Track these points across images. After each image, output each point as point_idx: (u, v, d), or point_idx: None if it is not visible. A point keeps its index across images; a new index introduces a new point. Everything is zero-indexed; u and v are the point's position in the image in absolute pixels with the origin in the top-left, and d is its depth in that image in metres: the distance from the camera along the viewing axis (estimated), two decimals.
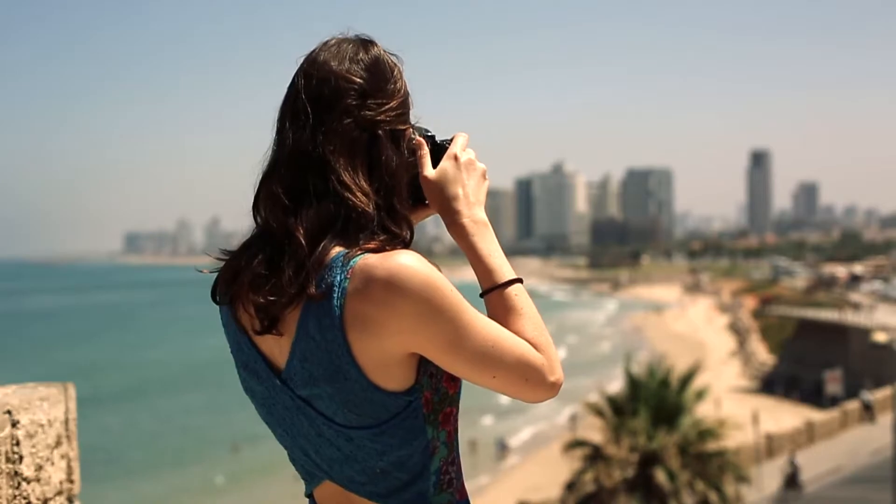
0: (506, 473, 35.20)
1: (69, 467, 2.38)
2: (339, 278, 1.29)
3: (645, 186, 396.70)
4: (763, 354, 62.64)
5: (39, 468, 2.22)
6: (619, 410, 21.98)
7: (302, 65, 1.43)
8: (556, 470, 26.10)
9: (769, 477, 27.29)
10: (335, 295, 1.28)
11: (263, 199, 1.38)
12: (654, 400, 21.76)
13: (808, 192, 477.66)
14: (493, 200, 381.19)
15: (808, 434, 33.87)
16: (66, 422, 2.38)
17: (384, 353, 1.30)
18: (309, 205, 1.34)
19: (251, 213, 1.42)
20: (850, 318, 54.27)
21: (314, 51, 1.44)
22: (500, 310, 1.40)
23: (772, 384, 52.14)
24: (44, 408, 2.26)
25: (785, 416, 40.16)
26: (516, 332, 1.38)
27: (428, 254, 1.35)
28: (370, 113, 1.39)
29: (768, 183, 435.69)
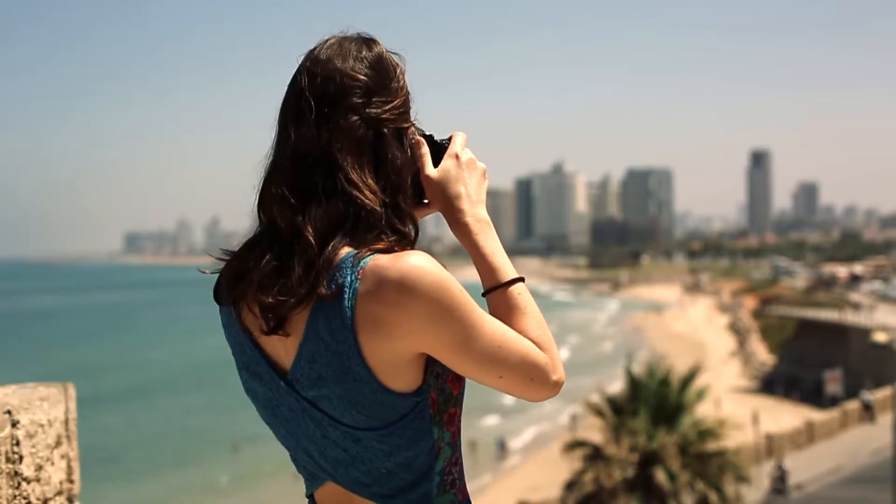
0: (506, 473, 35.20)
1: (69, 467, 2.38)
2: (349, 279, 1.28)
3: (645, 186, 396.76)
4: (763, 354, 62.67)
5: (39, 468, 2.22)
6: (619, 410, 21.98)
7: (304, 62, 1.41)
8: (556, 470, 26.10)
9: (769, 477, 27.31)
10: (346, 296, 1.27)
11: (269, 198, 1.37)
12: (654, 400, 21.77)
13: (808, 192, 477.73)
14: (493, 200, 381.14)
15: (808, 434, 33.87)
16: (66, 422, 2.38)
17: (395, 355, 1.30)
18: (317, 203, 1.33)
19: (254, 212, 1.41)
20: (850, 318, 54.28)
21: (315, 48, 1.42)
22: (503, 308, 1.40)
23: (772, 384, 52.15)
24: (44, 408, 2.25)
25: (785, 416, 40.18)
26: (520, 331, 1.38)
27: (428, 253, 1.35)
28: (375, 111, 1.38)
29: (768, 183, 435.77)
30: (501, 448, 37.91)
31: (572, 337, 77.85)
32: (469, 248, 1.47)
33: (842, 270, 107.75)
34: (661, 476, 20.24)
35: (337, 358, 1.29)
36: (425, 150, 1.48)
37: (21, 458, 2.15)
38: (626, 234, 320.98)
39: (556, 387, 1.39)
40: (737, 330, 76.26)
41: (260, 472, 34.22)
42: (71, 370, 51.48)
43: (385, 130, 1.39)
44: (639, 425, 21.05)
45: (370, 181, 1.35)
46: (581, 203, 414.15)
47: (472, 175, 1.51)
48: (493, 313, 1.40)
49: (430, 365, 1.35)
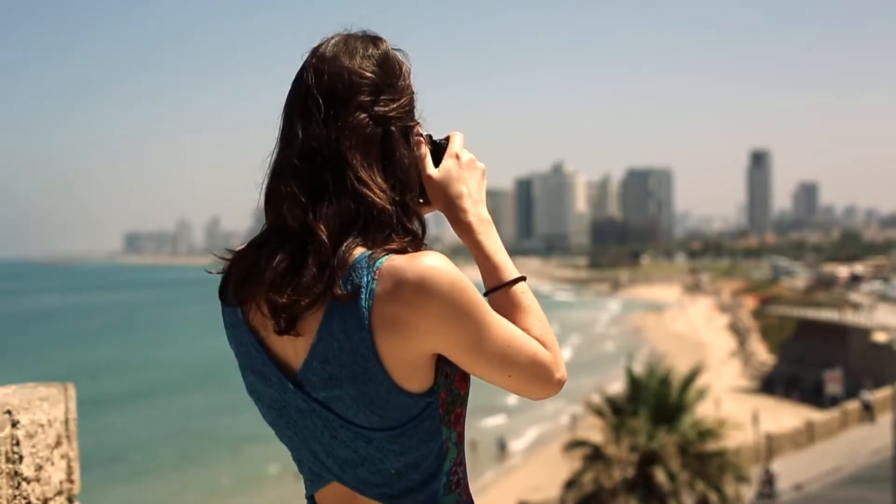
0: (506, 473, 35.21)
1: (69, 467, 2.38)
2: (365, 279, 1.27)
3: (645, 186, 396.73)
4: (763, 354, 62.65)
5: (39, 468, 2.22)
6: (618, 410, 21.97)
7: (309, 60, 1.40)
8: (556, 470, 26.09)
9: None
10: (363, 296, 1.27)
11: (278, 196, 1.35)
12: (654, 400, 21.75)
13: (808, 192, 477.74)
14: (493, 200, 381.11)
15: (808, 434, 33.87)
16: (66, 422, 2.38)
17: (411, 355, 1.30)
18: (328, 202, 1.32)
19: (259, 211, 1.40)
20: (850, 318, 54.29)
21: (320, 46, 1.41)
22: (506, 307, 1.41)
23: (772, 384, 52.14)
24: (44, 408, 2.25)
25: (785, 416, 40.17)
26: (524, 330, 1.39)
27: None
28: (383, 109, 1.38)
29: (768, 183, 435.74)
30: (501, 448, 37.91)
31: (574, 337, 77.86)
32: (472, 248, 1.48)
33: (842, 270, 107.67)
34: (661, 476, 20.23)
35: (352, 358, 1.29)
36: (426, 149, 1.48)
37: (21, 458, 2.15)
38: (626, 234, 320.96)
39: (559, 385, 1.40)
40: (737, 330, 76.23)
41: (261, 473, 34.25)
42: (71, 370, 51.53)
43: (393, 129, 1.39)
44: (639, 425, 21.04)
45: (379, 180, 1.35)
46: (581, 203, 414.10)
47: (473, 175, 1.51)
48: (496, 312, 1.40)
49: (440, 365, 1.35)
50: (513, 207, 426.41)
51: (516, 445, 39.86)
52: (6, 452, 2.11)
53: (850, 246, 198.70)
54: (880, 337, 45.97)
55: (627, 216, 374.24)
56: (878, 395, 37.61)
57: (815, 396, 44.85)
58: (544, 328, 1.41)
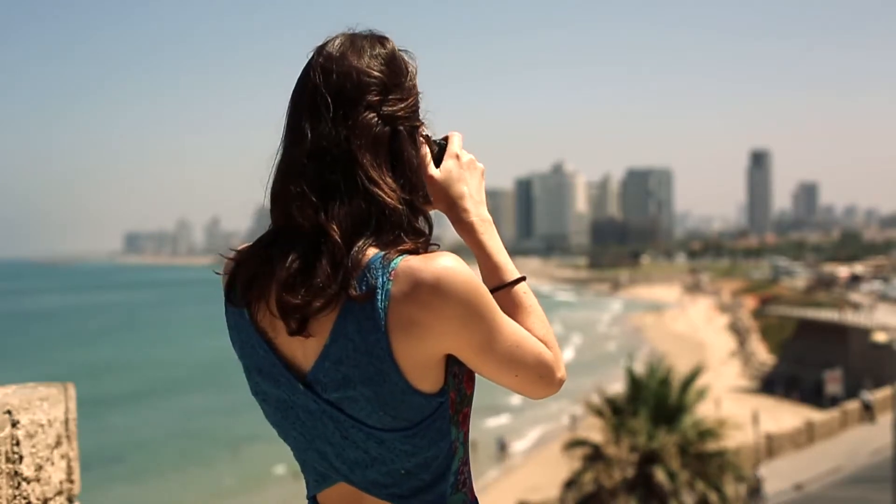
0: (506, 473, 35.21)
1: (69, 467, 2.38)
2: (381, 280, 1.27)
3: (645, 186, 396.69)
4: (763, 354, 62.63)
5: (39, 468, 2.22)
6: (618, 410, 21.97)
7: (315, 59, 1.39)
8: (556, 470, 26.08)
9: (769, 477, 27.31)
10: (379, 297, 1.26)
11: (288, 196, 1.34)
12: (654, 400, 21.75)
13: (808, 192, 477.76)
14: (493, 200, 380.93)
15: (808, 434, 33.86)
16: (66, 422, 2.38)
17: (425, 356, 1.30)
18: (339, 202, 1.31)
19: (264, 211, 1.39)
20: (850, 318, 54.29)
21: (326, 45, 1.40)
22: (508, 307, 1.41)
23: (772, 384, 52.13)
24: (44, 408, 2.25)
25: (785, 416, 40.17)
26: (527, 329, 1.40)
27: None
28: (391, 108, 1.37)
29: (768, 183, 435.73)
30: (501, 448, 37.92)
31: (576, 337, 77.92)
32: (474, 248, 1.48)
33: (842, 270, 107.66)
34: (661, 476, 20.22)
35: (367, 359, 1.28)
36: (426, 149, 1.48)
37: (21, 458, 2.15)
38: (626, 234, 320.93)
39: (559, 384, 1.41)
40: (737, 330, 76.22)
41: (262, 473, 34.24)
42: (71, 370, 51.52)
43: (401, 128, 1.39)
44: (639, 425, 21.03)
45: (389, 180, 1.35)
46: (581, 203, 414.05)
47: (473, 175, 1.52)
48: None
49: (449, 365, 1.35)
50: (513, 207, 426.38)
51: (519, 446, 39.86)
52: (6, 452, 2.11)
53: (850, 246, 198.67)
54: (880, 337, 45.97)
55: (627, 216, 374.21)
56: (878, 395, 37.61)
57: (815, 396, 44.85)
58: (546, 328, 1.43)
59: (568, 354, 64.96)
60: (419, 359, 1.29)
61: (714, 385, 35.68)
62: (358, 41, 1.41)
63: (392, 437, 1.32)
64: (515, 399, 44.65)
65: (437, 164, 1.50)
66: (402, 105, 1.39)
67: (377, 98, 1.36)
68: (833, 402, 40.08)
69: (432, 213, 1.53)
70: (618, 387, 30.50)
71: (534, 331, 1.40)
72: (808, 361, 50.49)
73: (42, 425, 2.23)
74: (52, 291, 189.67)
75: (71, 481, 2.38)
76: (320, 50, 1.40)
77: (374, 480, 1.36)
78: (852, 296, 76.50)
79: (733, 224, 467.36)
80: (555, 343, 1.42)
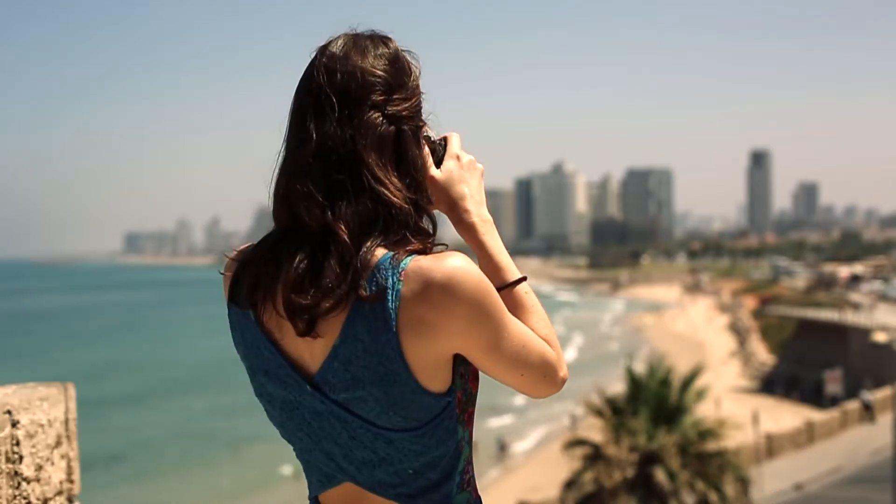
0: (506, 473, 35.22)
1: (69, 467, 2.38)
2: (391, 281, 1.27)
3: (645, 186, 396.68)
4: (763, 354, 62.64)
5: (39, 468, 2.22)
6: (618, 410, 21.97)
7: (318, 59, 1.39)
8: (556, 470, 26.09)
9: (769, 477, 27.30)
10: (389, 298, 1.27)
11: (295, 196, 1.33)
12: (654, 400, 21.75)
13: (808, 192, 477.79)
14: (493, 200, 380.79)
15: (808, 434, 33.87)
16: (66, 422, 2.38)
17: (435, 356, 1.30)
18: (346, 202, 1.31)
19: (266, 211, 1.39)
20: (850, 318, 54.29)
21: (329, 45, 1.40)
22: (511, 307, 1.41)
23: (772, 384, 52.14)
24: (44, 408, 2.25)
25: (785, 416, 40.15)
26: (530, 329, 1.41)
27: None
28: (396, 108, 1.38)
29: (768, 183, 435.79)
30: (501, 448, 37.93)
31: (579, 337, 77.94)
32: (475, 248, 1.49)
33: (842, 270, 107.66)
34: (661, 476, 20.22)
35: (377, 359, 1.28)
36: (426, 150, 1.49)
37: (21, 458, 2.15)
38: (626, 234, 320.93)
39: (562, 383, 1.43)
40: (737, 330, 76.23)
41: (263, 474, 34.23)
42: (71, 370, 51.49)
43: (405, 128, 1.39)
44: (639, 425, 21.04)
45: (395, 179, 1.35)
46: (581, 203, 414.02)
47: (473, 176, 1.52)
48: None
49: (456, 365, 1.36)
50: (513, 207, 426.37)
51: (520, 446, 39.85)
52: (6, 452, 2.11)
53: (850, 246, 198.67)
54: (880, 337, 45.98)
55: (627, 216, 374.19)
56: (878, 395, 37.62)
57: (815, 396, 44.86)
58: (548, 328, 1.44)
59: (570, 354, 65.00)
60: (429, 359, 1.30)
61: (714, 385, 35.69)
62: (361, 41, 1.41)
63: (401, 437, 1.32)
64: (518, 399, 44.68)
65: (437, 164, 1.50)
66: (407, 105, 1.40)
67: (382, 98, 1.37)
68: (833, 402, 40.09)
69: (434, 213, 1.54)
70: (619, 387, 30.54)
71: (537, 330, 1.41)
72: (808, 361, 50.50)
73: (42, 425, 2.23)
74: (52, 291, 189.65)
75: (71, 481, 2.38)
76: (323, 50, 1.40)
77: (382, 480, 1.36)
78: (852, 296, 76.50)
79: (733, 224, 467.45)
80: (557, 342, 1.43)
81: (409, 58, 1.45)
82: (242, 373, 1.45)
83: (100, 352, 75.30)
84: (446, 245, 1.38)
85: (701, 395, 22.80)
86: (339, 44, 1.40)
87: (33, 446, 2.19)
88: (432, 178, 1.48)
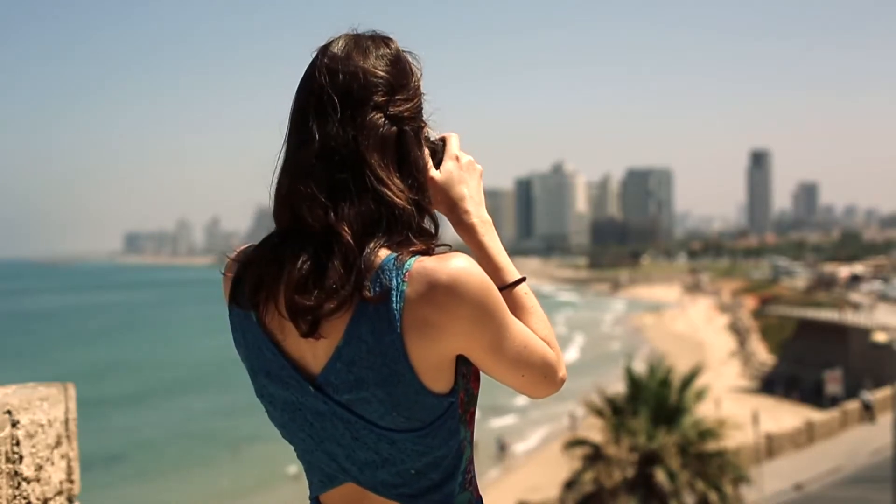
0: (506, 473, 35.22)
1: (69, 467, 2.38)
2: (395, 282, 1.27)
3: (645, 186, 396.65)
4: (763, 354, 62.62)
5: (39, 468, 2.22)
6: (618, 410, 21.97)
7: (320, 59, 1.39)
8: (556, 470, 26.09)
9: (769, 477, 27.30)
10: (394, 299, 1.27)
11: (298, 197, 1.33)
12: (654, 400, 21.75)
13: (808, 192, 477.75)
14: (493, 200, 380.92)
15: (808, 434, 33.86)
16: (66, 422, 2.38)
17: (439, 356, 1.31)
18: (349, 202, 1.31)
19: (266, 211, 1.39)
20: (850, 318, 54.27)
21: (330, 45, 1.40)
22: (511, 307, 1.41)
23: (772, 384, 52.13)
24: (44, 408, 2.25)
25: (785, 416, 40.15)
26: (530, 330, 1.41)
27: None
28: (398, 109, 1.38)
29: (768, 183, 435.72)
30: (501, 448, 37.92)
31: (580, 337, 77.91)
32: (475, 249, 1.49)
33: (842, 270, 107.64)
34: (661, 476, 20.22)
35: (381, 360, 1.28)
36: (426, 150, 1.49)
37: (21, 458, 2.15)
38: (626, 234, 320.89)
39: (561, 383, 1.43)
40: (737, 330, 76.22)
41: (262, 474, 34.22)
42: (71, 370, 51.50)
43: (407, 129, 1.39)
44: (639, 425, 21.04)
45: (397, 180, 1.35)
46: (581, 203, 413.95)
47: (472, 176, 1.53)
48: None
49: (458, 365, 1.36)
50: (513, 207, 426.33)
51: (522, 447, 39.83)
52: (6, 452, 2.11)
53: (850, 246, 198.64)
54: (880, 337, 45.98)
55: (627, 216, 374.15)
56: (878, 395, 37.61)
57: (815, 396, 44.85)
58: (547, 328, 1.44)
59: (573, 354, 65.02)
60: (433, 360, 1.30)
61: (714, 385, 35.69)
62: (362, 42, 1.41)
63: (404, 437, 1.32)
64: (520, 400, 44.65)
65: (436, 165, 1.50)
66: (409, 106, 1.40)
67: (384, 98, 1.36)
68: (833, 402, 40.09)
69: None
70: (619, 386, 30.56)
71: (537, 331, 1.42)
72: (808, 361, 50.49)
73: (42, 425, 2.23)
74: (52, 291, 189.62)
75: (71, 481, 2.38)
76: (324, 50, 1.40)
77: (384, 481, 1.36)
78: (852, 296, 76.47)
79: (733, 224, 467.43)
80: (556, 343, 1.43)
81: (410, 59, 1.45)
82: (242, 373, 1.45)
83: (100, 352, 75.28)
84: (449, 246, 1.38)
85: (701, 395, 22.80)
86: (340, 44, 1.40)
87: (33, 446, 2.19)
88: (432, 178, 1.48)
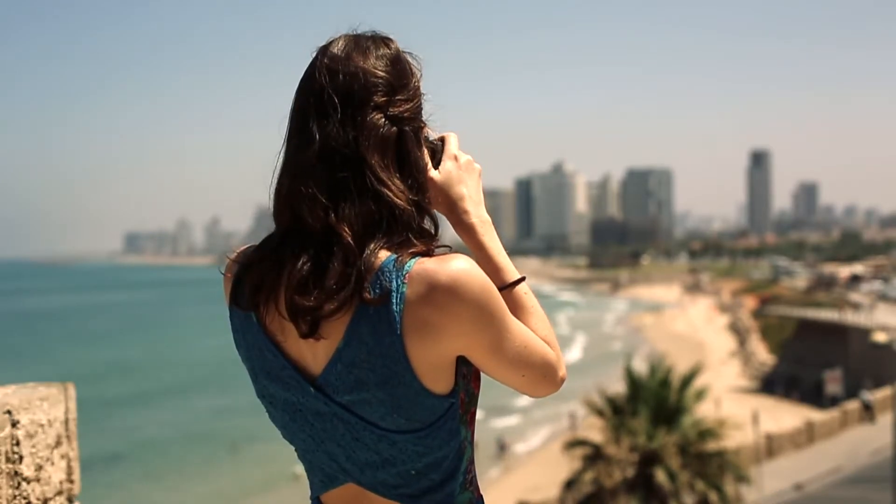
0: (506, 473, 35.22)
1: (69, 467, 2.38)
2: (395, 283, 1.27)
3: (645, 186, 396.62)
4: (763, 354, 62.62)
5: (39, 468, 2.22)
6: (619, 410, 21.97)
7: (320, 60, 1.39)
8: (556, 470, 26.09)
9: (769, 477, 27.30)
10: (394, 300, 1.27)
11: (299, 197, 1.33)
12: (654, 400, 21.75)
13: (808, 192, 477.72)
14: (493, 200, 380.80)
15: (808, 434, 33.85)
16: (66, 422, 2.38)
17: (440, 357, 1.31)
18: (349, 203, 1.31)
19: (266, 212, 1.39)
20: (849, 318, 54.27)
21: (330, 45, 1.40)
22: (510, 307, 1.41)
23: (772, 384, 52.13)
24: (44, 408, 2.25)
25: (785, 416, 40.14)
26: (530, 330, 1.41)
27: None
28: (398, 109, 1.38)
29: (768, 183, 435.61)
30: (501, 448, 37.93)
31: (582, 337, 77.88)
32: (475, 249, 1.49)
33: (842, 270, 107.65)
34: (661, 476, 20.23)
35: (381, 362, 1.28)
36: (425, 150, 1.48)
37: (21, 458, 2.15)
38: (626, 234, 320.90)
39: (561, 383, 1.43)
40: (737, 330, 76.22)
41: (262, 474, 34.21)
42: (71, 370, 51.52)
43: (407, 129, 1.39)
44: (639, 425, 21.04)
45: (397, 181, 1.35)
46: (581, 203, 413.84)
47: (471, 176, 1.52)
48: None
49: (458, 366, 1.36)
50: (513, 207, 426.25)
51: (523, 447, 39.82)
52: (6, 452, 2.11)
53: (850, 246, 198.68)
54: (880, 337, 45.99)
55: (627, 216, 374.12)
56: (878, 395, 37.60)
57: (815, 396, 44.84)
58: (547, 328, 1.44)
59: (575, 354, 65.03)
60: (433, 361, 1.30)
61: (714, 385, 35.66)
62: (362, 42, 1.41)
63: (404, 438, 1.33)
64: (522, 400, 44.66)
65: (435, 165, 1.50)
66: (409, 106, 1.40)
67: (384, 99, 1.36)
68: (833, 402, 40.08)
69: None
70: (620, 386, 30.56)
71: (537, 331, 1.42)
72: (808, 361, 50.49)
73: (42, 425, 2.23)
74: (52, 291, 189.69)
75: (71, 481, 2.38)
76: (324, 50, 1.40)
77: (384, 481, 1.36)
78: (852, 296, 76.44)
79: (733, 224, 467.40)
80: (556, 343, 1.43)
81: (409, 59, 1.45)
82: (243, 373, 1.45)
83: (100, 352, 75.28)
84: (449, 247, 1.37)
85: (701, 395, 22.80)
86: (340, 44, 1.40)
87: (33, 446, 2.20)
88: (431, 179, 1.48)
